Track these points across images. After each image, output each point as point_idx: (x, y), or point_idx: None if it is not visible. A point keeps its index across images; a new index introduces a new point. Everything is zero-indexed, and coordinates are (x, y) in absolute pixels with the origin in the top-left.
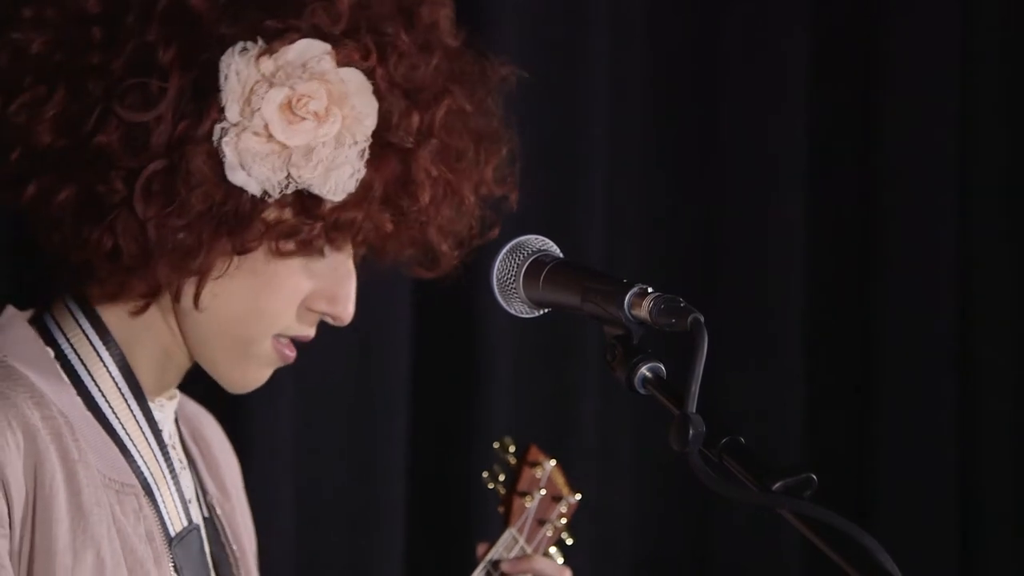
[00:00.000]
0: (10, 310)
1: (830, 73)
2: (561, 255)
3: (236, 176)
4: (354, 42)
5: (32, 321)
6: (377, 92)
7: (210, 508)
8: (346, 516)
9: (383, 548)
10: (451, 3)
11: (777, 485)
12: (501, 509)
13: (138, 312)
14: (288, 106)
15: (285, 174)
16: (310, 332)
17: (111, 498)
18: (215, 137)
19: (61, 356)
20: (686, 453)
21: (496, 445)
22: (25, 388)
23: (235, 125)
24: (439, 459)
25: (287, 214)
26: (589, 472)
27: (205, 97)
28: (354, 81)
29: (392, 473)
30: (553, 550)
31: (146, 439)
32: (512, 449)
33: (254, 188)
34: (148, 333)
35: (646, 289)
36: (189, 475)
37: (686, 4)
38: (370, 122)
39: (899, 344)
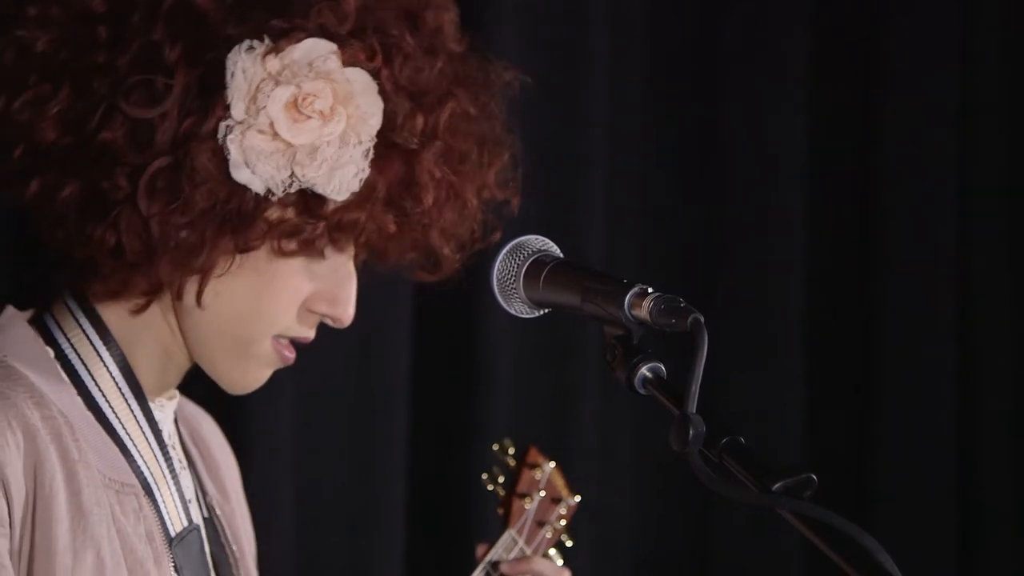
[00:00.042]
0: (10, 310)
1: (830, 73)
2: (561, 255)
3: (240, 174)
4: (360, 43)
5: (32, 321)
6: (382, 93)
7: (210, 509)
8: (346, 516)
9: (383, 548)
10: (455, 8)
11: (777, 485)
12: (500, 511)
13: (139, 310)
14: (294, 104)
15: (289, 172)
16: (310, 334)
17: (111, 498)
18: (220, 134)
19: (61, 356)
20: (686, 453)
21: (495, 447)
22: (25, 388)
23: (240, 123)
24: (439, 459)
25: (290, 213)
26: (589, 472)
27: (211, 94)
28: (359, 81)
29: (392, 473)
30: (552, 552)
31: (146, 439)
32: (511, 451)
33: (258, 186)
34: (148, 332)
35: (646, 289)
36: (189, 475)
37: (686, 4)
38: (375, 122)
39: (899, 344)
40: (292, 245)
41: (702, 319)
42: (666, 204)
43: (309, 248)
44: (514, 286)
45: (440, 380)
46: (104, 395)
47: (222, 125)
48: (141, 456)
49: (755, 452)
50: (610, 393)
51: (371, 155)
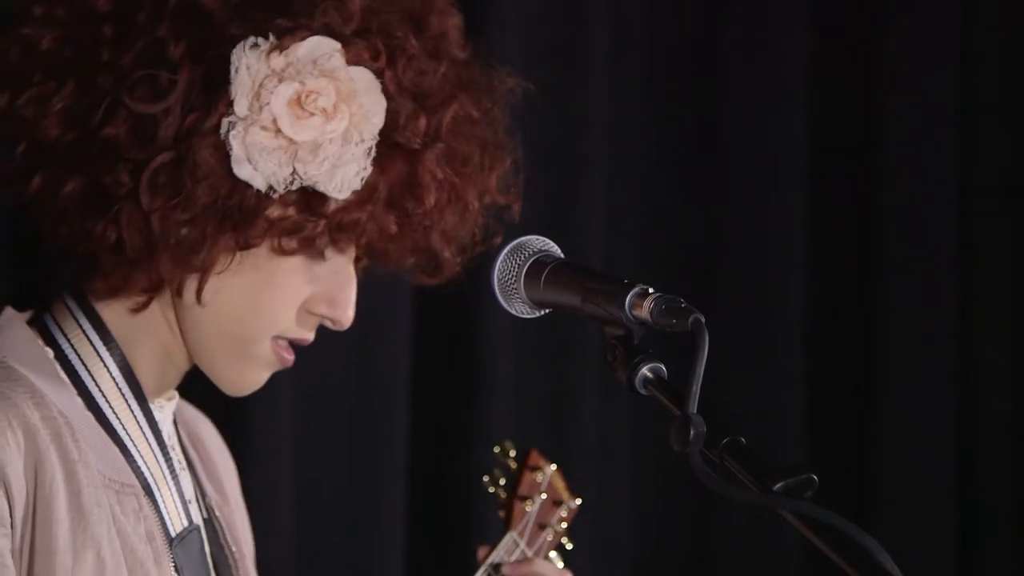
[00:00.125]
0: (9, 311)
1: (830, 73)
2: (562, 255)
3: (242, 170)
4: (364, 42)
5: (32, 322)
6: (385, 92)
7: (209, 510)
8: (346, 516)
9: (383, 548)
10: (459, 14)
11: (778, 485)
12: (502, 513)
13: (139, 309)
14: (297, 101)
15: (291, 170)
16: (309, 336)
17: (111, 498)
18: (223, 130)
19: (61, 356)
20: (687, 454)
21: (497, 449)
22: (25, 388)
23: (243, 119)
24: (439, 459)
25: (291, 212)
26: (589, 472)
27: (214, 90)
28: (363, 80)
29: (392, 473)
30: (553, 554)
31: (146, 439)
32: (513, 453)
33: (259, 183)
34: (148, 332)
35: (647, 289)
36: (188, 476)
37: (686, 4)
38: (377, 120)
39: (899, 344)
40: (292, 243)
41: (703, 319)
42: (666, 204)
43: (309, 247)
44: (515, 286)
45: (440, 380)
46: (104, 395)
47: (225, 121)
48: (141, 456)
49: (755, 452)
50: (610, 393)
51: (373, 154)
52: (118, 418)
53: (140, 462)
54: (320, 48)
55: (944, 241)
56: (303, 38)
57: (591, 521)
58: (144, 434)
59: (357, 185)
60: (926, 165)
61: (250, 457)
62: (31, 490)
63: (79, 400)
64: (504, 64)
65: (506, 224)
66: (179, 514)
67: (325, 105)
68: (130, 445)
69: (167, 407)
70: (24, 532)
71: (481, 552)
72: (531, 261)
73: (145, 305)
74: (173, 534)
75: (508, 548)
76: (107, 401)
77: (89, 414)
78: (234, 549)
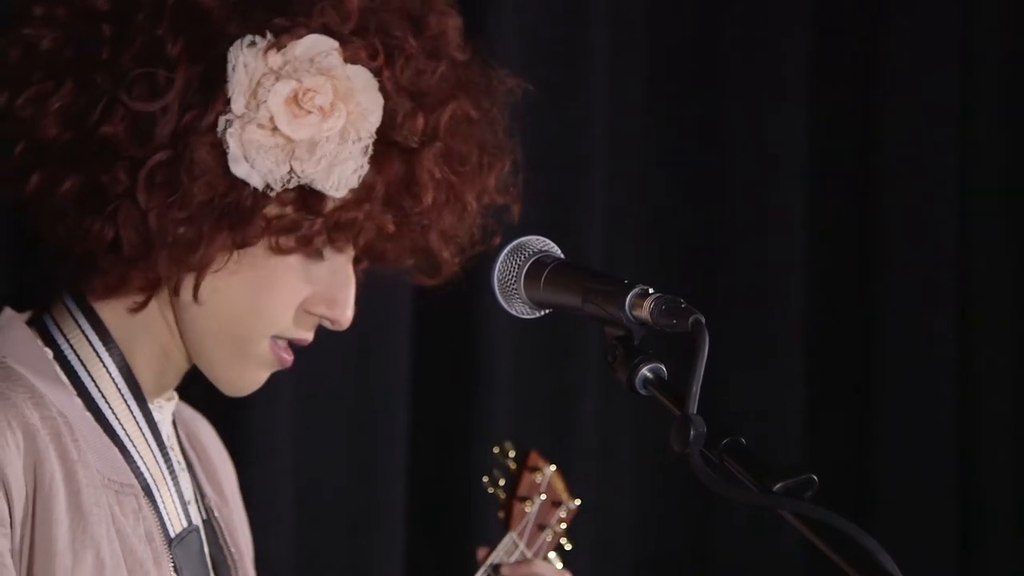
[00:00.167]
0: (8, 311)
1: (830, 73)
2: (562, 256)
3: (239, 168)
4: (362, 41)
5: (31, 322)
6: (383, 91)
7: (208, 511)
8: (346, 517)
9: (383, 549)
10: (458, 15)
11: (778, 486)
12: (501, 514)
13: (137, 308)
14: (294, 99)
15: (288, 168)
16: (308, 336)
17: (110, 498)
18: (220, 128)
19: (60, 357)
20: (687, 454)
21: (496, 450)
22: (24, 388)
23: (240, 117)
24: (439, 460)
25: (288, 210)
26: (589, 472)
27: (212, 89)
28: (360, 78)
29: (392, 474)
30: (552, 555)
31: (145, 440)
32: (512, 454)
33: (256, 181)
34: (147, 332)
35: (647, 290)
36: (187, 477)
37: (686, 4)
38: (374, 119)
39: (899, 344)
40: (290, 242)
41: (703, 320)
42: (666, 204)
43: (307, 246)
44: (515, 287)
45: (440, 381)
46: (103, 396)
47: (222, 119)
48: (140, 457)
49: (755, 452)
50: (610, 393)
51: (370, 153)
52: (117, 418)
53: (139, 462)
54: (317, 46)
55: (944, 241)
56: (300, 36)
57: (591, 521)
58: (143, 434)
59: (354, 183)
60: (926, 165)
61: (250, 457)
62: (31, 490)
63: (78, 400)
64: (504, 64)
65: (506, 224)
66: (178, 514)
67: (322, 103)
68: (129, 445)
69: (166, 407)
70: (24, 532)
71: (481, 553)
72: (531, 261)
73: (144, 305)
74: (172, 535)
75: (508, 549)
76: (106, 401)
77: (88, 414)
78: (233, 550)
